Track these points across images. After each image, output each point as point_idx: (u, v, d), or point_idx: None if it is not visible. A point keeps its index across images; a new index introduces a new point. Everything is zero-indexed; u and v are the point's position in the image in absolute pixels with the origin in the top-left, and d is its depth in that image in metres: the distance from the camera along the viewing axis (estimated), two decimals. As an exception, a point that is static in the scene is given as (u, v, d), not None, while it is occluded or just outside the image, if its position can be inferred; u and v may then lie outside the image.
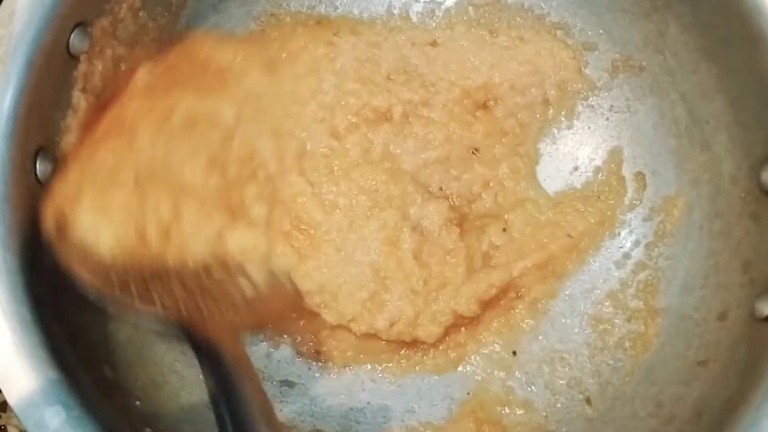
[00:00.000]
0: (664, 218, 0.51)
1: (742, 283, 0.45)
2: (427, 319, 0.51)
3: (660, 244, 0.51)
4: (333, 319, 0.50)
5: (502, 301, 0.53)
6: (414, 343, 0.52)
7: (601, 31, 0.53)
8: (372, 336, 0.51)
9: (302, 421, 0.50)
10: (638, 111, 0.53)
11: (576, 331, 0.52)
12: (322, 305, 0.50)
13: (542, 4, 0.54)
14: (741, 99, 0.46)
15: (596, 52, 0.54)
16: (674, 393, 0.45)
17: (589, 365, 0.51)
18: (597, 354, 0.51)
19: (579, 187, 0.54)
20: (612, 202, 0.53)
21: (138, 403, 0.44)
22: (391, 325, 0.50)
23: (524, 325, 0.52)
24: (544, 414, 0.50)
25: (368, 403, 0.51)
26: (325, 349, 0.52)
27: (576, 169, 0.54)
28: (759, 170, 0.45)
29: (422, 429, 0.51)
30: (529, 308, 0.53)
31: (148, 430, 0.42)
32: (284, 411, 0.50)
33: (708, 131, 0.49)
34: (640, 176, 0.53)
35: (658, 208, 0.52)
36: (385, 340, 0.51)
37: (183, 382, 0.48)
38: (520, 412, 0.50)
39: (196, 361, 0.47)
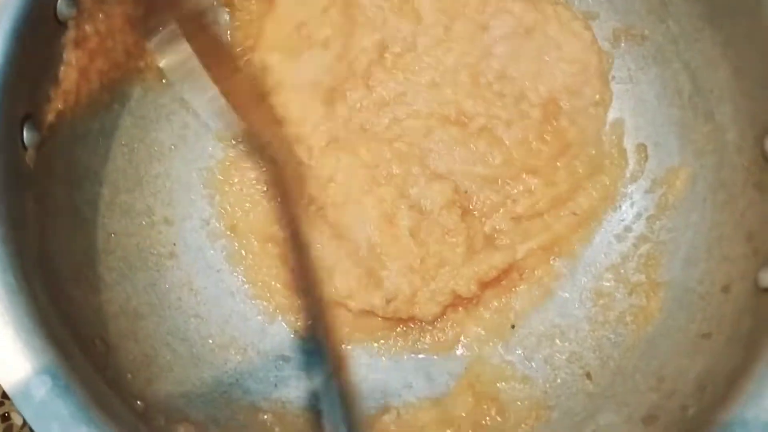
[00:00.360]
0: (667, 190, 0.50)
1: (746, 254, 0.44)
2: (425, 297, 0.50)
3: (662, 217, 0.50)
4: (329, 296, 0.49)
5: (503, 282, 0.52)
6: (411, 321, 0.51)
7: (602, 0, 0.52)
8: (368, 313, 0.50)
9: (297, 396, 0.49)
10: (640, 81, 0.52)
11: (576, 305, 0.51)
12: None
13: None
14: (745, 67, 0.45)
15: (597, 21, 0.53)
16: (676, 367, 0.44)
17: (589, 340, 0.50)
18: (598, 328, 0.50)
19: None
20: (614, 174, 0.52)
21: (129, 376, 0.43)
22: (388, 302, 0.50)
23: (524, 301, 0.52)
24: (544, 389, 0.49)
25: (366, 377, 0.50)
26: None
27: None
28: (764, 139, 0.44)
29: (420, 404, 0.50)
30: (531, 286, 0.52)
31: (139, 403, 0.41)
32: (279, 386, 0.49)
33: (712, 101, 0.48)
34: (641, 148, 0.52)
35: (661, 180, 0.51)
36: (381, 317, 0.50)
37: (175, 355, 0.47)
38: (519, 386, 0.49)
39: (189, 335, 0.47)
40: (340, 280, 0.50)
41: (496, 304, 0.52)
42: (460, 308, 0.52)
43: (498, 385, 0.50)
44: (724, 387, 0.39)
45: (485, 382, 0.50)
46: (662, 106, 0.51)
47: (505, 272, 0.51)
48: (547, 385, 0.50)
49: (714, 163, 0.48)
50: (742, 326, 0.41)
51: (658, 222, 0.50)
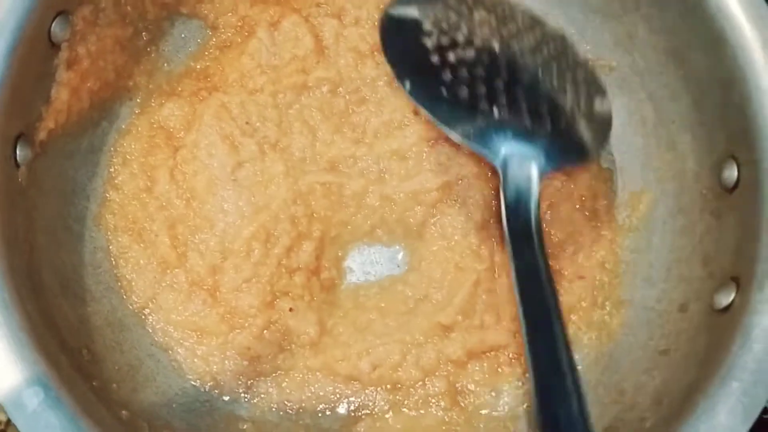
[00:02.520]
0: (630, 213, 0.53)
1: (702, 276, 0.46)
2: (411, 362, 0.50)
3: (625, 238, 0.53)
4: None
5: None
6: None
7: (573, 30, 0.55)
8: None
9: (275, 406, 0.50)
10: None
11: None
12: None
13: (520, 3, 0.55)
14: (704, 100, 0.48)
15: (568, 51, 0.55)
16: (636, 381, 0.47)
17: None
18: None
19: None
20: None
21: (115, 386, 0.45)
22: (374, 368, 0.50)
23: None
24: (508, 401, 0.51)
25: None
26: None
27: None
28: (720, 168, 0.46)
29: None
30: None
31: (125, 412, 0.43)
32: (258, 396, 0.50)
33: (673, 130, 0.51)
34: (608, 173, 0.54)
35: (625, 204, 0.53)
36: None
37: (158, 366, 0.48)
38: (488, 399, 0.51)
39: (171, 346, 0.48)
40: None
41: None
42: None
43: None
44: (679, 401, 0.41)
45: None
46: (627, 134, 0.54)
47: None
48: (512, 394, 0.51)
49: (674, 189, 0.51)
50: (697, 344, 0.44)
51: (623, 242, 0.53)
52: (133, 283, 0.50)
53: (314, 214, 0.52)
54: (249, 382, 0.49)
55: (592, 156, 0.51)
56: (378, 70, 0.54)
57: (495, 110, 0.47)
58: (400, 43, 0.49)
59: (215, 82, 0.53)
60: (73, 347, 0.43)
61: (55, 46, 0.44)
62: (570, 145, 0.48)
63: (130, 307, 0.49)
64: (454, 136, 0.47)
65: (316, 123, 0.53)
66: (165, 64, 0.53)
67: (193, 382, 0.49)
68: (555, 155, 0.47)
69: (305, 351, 0.50)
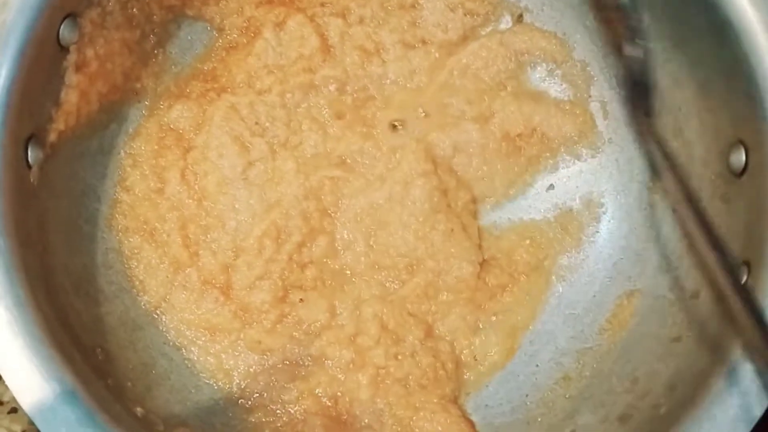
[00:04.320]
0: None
1: (713, 262, 0.46)
2: None
3: (636, 228, 0.53)
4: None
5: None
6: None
7: (577, 22, 0.55)
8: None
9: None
10: (614, 100, 0.55)
11: (556, 312, 0.54)
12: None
13: (528, 5, 0.56)
14: (709, 86, 0.48)
15: (576, 45, 0.55)
16: (649, 369, 0.47)
17: (568, 347, 0.53)
18: (577, 335, 0.53)
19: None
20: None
21: (129, 384, 0.45)
22: None
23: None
24: (526, 393, 0.52)
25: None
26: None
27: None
28: (728, 153, 0.46)
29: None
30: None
31: (139, 409, 0.43)
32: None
33: (680, 118, 0.50)
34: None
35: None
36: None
37: (171, 364, 0.49)
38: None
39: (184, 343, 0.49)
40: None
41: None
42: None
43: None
44: (692, 386, 0.41)
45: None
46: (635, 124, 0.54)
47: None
48: (529, 389, 0.52)
49: (684, 176, 0.50)
50: (709, 329, 0.44)
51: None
52: (146, 283, 0.50)
53: (327, 210, 0.52)
54: (262, 377, 0.49)
55: None
56: (384, 67, 0.55)
57: None
58: None
59: (223, 84, 0.54)
60: (87, 346, 0.43)
61: (63, 49, 0.45)
62: None
63: (143, 307, 0.50)
64: None
65: (325, 120, 0.54)
66: (172, 66, 0.54)
67: (206, 380, 0.49)
68: None
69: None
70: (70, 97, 0.46)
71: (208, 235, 0.51)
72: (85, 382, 0.38)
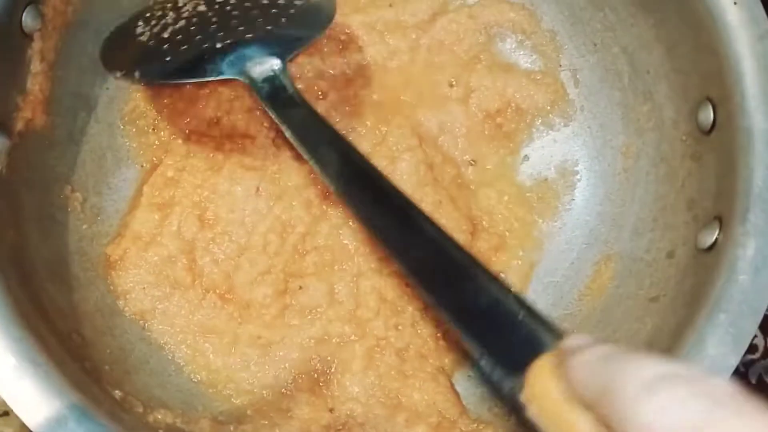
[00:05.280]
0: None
1: (687, 221, 0.46)
2: None
3: (611, 193, 0.53)
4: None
5: None
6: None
7: (544, -9, 0.55)
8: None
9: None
10: (584, 67, 0.55)
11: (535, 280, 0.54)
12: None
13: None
14: (676, 47, 0.48)
15: (544, 12, 0.56)
16: (628, 329, 0.47)
17: (547, 313, 0.52)
18: (557, 302, 0.53)
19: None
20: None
21: (107, 368, 0.45)
22: None
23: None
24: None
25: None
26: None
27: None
28: (697, 112, 0.46)
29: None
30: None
31: (118, 392, 0.43)
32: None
33: (649, 81, 0.51)
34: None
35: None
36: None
37: (150, 349, 0.48)
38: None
39: (165, 328, 0.48)
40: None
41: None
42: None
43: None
44: (669, 341, 0.41)
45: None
46: (605, 89, 0.54)
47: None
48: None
49: (655, 139, 0.51)
50: (684, 286, 0.44)
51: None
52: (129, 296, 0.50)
53: (326, 193, 0.52)
54: (245, 359, 0.49)
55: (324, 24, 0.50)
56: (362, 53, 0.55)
57: (214, 42, 0.48)
58: (118, 53, 0.50)
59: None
60: (63, 331, 0.43)
61: (27, 37, 0.45)
62: (294, 26, 0.49)
63: (127, 317, 0.49)
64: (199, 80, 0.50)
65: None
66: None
67: (187, 366, 0.49)
68: (283, 42, 0.49)
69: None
70: (36, 85, 0.46)
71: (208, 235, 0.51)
72: (59, 364, 0.38)
